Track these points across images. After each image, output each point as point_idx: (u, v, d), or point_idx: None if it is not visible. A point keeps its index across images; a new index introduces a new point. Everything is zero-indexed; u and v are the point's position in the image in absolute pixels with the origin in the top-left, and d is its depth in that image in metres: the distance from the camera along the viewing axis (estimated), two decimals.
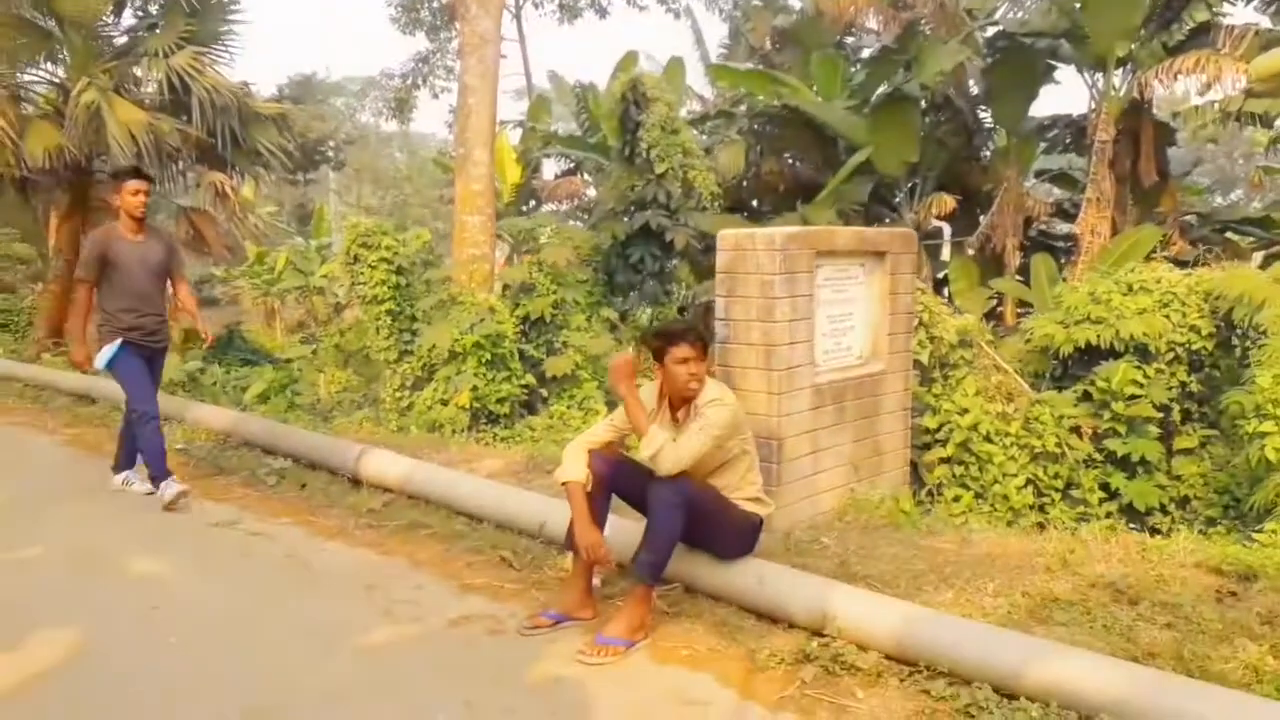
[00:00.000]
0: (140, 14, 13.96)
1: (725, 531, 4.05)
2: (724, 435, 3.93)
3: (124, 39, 13.74)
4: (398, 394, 9.99)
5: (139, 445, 6.03)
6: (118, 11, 13.60)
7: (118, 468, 6.34)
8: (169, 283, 6.14)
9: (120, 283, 5.87)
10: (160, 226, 6.61)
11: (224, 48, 13.55)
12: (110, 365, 5.91)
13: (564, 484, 4.03)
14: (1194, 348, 7.15)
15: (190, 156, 13.47)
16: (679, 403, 4.10)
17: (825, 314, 5.30)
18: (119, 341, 5.86)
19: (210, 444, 7.48)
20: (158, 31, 12.91)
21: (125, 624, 4.16)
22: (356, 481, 6.19)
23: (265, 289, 22.00)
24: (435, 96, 29.50)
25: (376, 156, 43.03)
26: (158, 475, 5.91)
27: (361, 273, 10.06)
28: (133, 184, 5.79)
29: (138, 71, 13.13)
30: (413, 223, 29.49)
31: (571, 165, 18.85)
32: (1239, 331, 7.15)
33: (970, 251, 14.25)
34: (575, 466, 4.01)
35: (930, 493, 6.52)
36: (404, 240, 10.62)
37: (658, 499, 3.83)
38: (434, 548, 5.04)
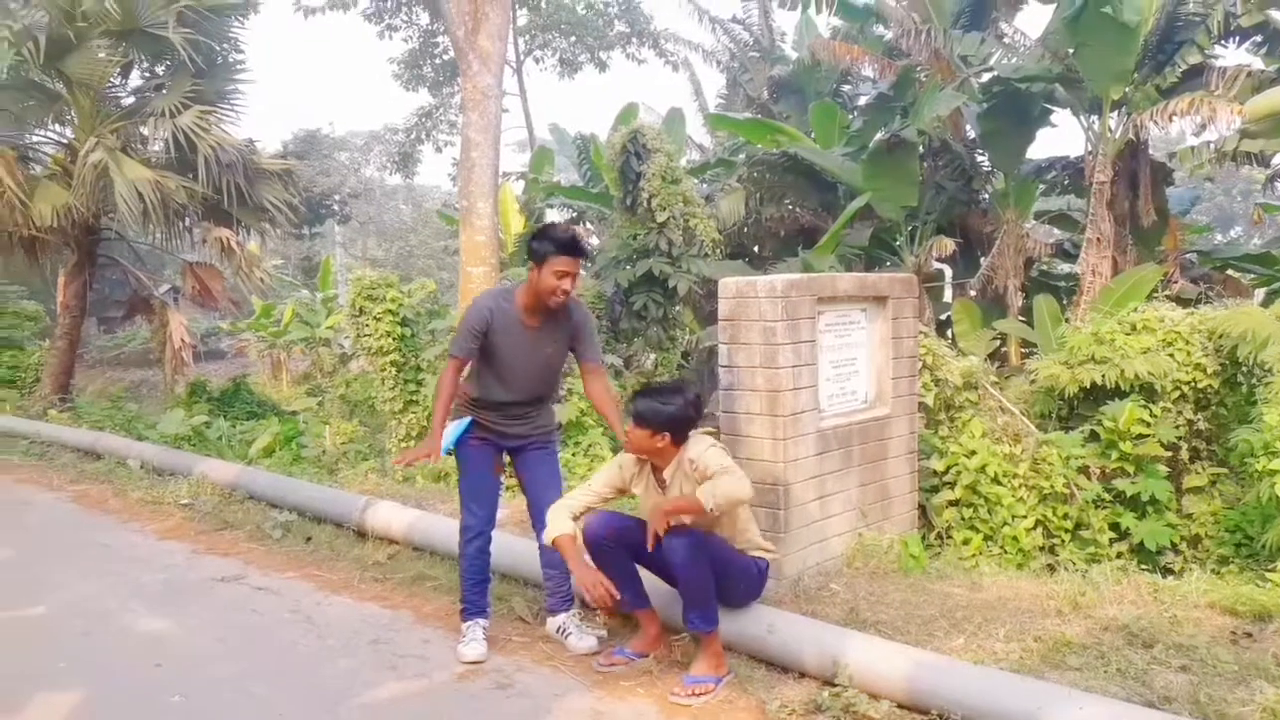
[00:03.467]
0: (147, 75, 14.17)
1: (734, 578, 4.02)
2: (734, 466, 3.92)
3: (131, 99, 13.93)
4: (403, 444, 9.98)
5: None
6: (125, 73, 13.81)
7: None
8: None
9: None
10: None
11: (230, 106, 13.74)
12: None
13: (553, 542, 4.02)
14: (1200, 386, 7.13)
15: (196, 213, 13.60)
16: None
17: (829, 359, 5.31)
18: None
19: (216, 498, 7.48)
20: (164, 92, 13.09)
21: (128, 683, 4.13)
22: (362, 533, 6.17)
23: (272, 341, 22.09)
24: (439, 150, 29.99)
25: (381, 209, 43.40)
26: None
27: (367, 324, 10.10)
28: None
29: (144, 131, 13.29)
30: (418, 274, 29.66)
31: (574, 215, 18.98)
32: (1244, 369, 7.13)
33: (972, 293, 14.29)
34: (561, 524, 4.02)
35: (939, 536, 6.47)
36: (409, 291, 10.68)
37: (677, 555, 3.79)
38: (440, 600, 5.01)
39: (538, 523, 4.39)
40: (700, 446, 3.94)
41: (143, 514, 7.33)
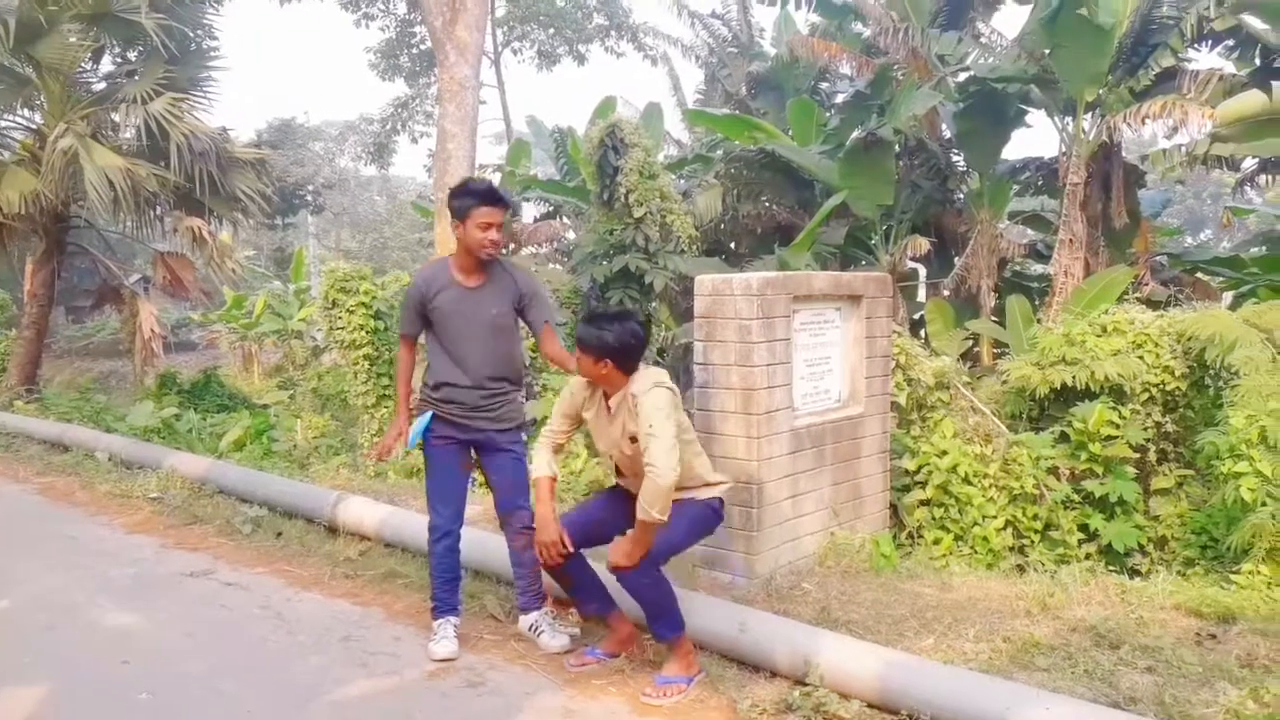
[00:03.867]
0: (119, 60, 14.00)
1: (690, 537, 4.03)
2: (677, 416, 3.84)
3: (102, 85, 13.76)
4: (375, 439, 9.92)
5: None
6: (96, 58, 13.63)
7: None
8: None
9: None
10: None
11: (203, 93, 13.59)
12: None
13: (534, 482, 4.09)
14: (1168, 388, 7.20)
15: (168, 202, 13.44)
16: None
17: (803, 358, 5.32)
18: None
19: (185, 492, 7.40)
20: (136, 78, 12.93)
21: (95, 679, 4.09)
22: (333, 529, 6.13)
23: (243, 333, 21.90)
24: (414, 141, 29.67)
25: (355, 200, 43.15)
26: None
27: (340, 317, 10.02)
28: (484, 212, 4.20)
29: (116, 117, 13.11)
30: (392, 266, 29.52)
31: (551, 209, 18.92)
32: (1211, 372, 7.21)
33: (946, 293, 14.36)
34: (541, 465, 4.07)
35: (910, 535, 6.50)
36: (383, 284, 10.61)
37: (629, 585, 3.82)
38: (411, 597, 4.99)
39: (506, 524, 4.38)
40: (644, 384, 3.85)
41: (111, 507, 7.25)
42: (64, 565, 5.76)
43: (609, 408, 3.99)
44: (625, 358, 3.86)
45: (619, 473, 4.13)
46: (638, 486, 3.76)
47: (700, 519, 4.03)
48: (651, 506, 3.67)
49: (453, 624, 4.32)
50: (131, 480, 7.82)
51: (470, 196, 4.17)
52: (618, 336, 3.81)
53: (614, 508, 4.10)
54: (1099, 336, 7.43)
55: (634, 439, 3.82)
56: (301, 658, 4.29)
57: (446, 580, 4.36)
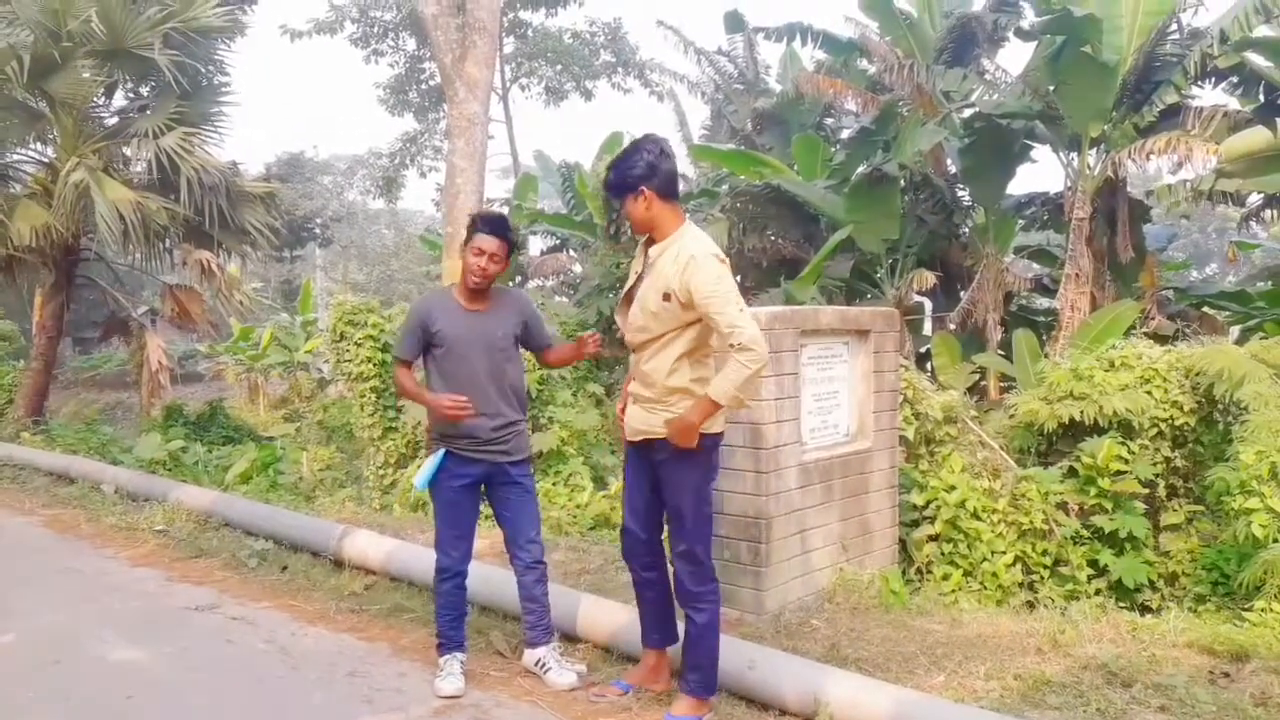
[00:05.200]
0: (132, 95, 14.14)
1: (709, 494, 3.89)
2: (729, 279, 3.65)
3: (115, 120, 13.89)
4: (381, 471, 9.91)
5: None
6: (109, 93, 13.77)
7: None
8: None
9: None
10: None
11: (214, 128, 13.70)
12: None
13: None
14: (1177, 423, 7.18)
15: (177, 235, 13.52)
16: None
17: (811, 392, 5.32)
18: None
19: (191, 525, 7.39)
20: (148, 113, 13.06)
21: (99, 715, 4.06)
22: (339, 563, 6.11)
23: (249, 365, 21.94)
24: (423, 176, 29.84)
25: (363, 233, 43.33)
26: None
27: (347, 350, 10.05)
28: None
29: (127, 151, 13.23)
30: (399, 299, 29.56)
31: (558, 242, 19.04)
32: (1220, 407, 7.19)
33: (952, 327, 14.36)
34: None
35: (919, 571, 6.47)
36: (390, 317, 10.63)
37: (693, 620, 3.76)
38: (417, 633, 4.95)
39: (515, 558, 4.35)
40: (703, 246, 3.66)
41: (116, 540, 7.24)
42: (68, 599, 5.74)
43: (647, 257, 3.81)
44: (661, 180, 3.70)
45: (632, 348, 3.87)
46: (645, 368, 3.72)
47: (713, 468, 3.88)
48: (733, 385, 3.52)
49: (459, 660, 4.29)
50: (137, 513, 7.81)
51: (474, 223, 4.25)
52: (642, 161, 3.70)
53: (647, 473, 3.88)
54: (1107, 371, 7.42)
55: (666, 295, 3.64)
56: (306, 694, 4.26)
57: (452, 617, 4.32)
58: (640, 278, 3.82)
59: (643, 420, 3.80)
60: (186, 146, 12.46)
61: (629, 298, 3.88)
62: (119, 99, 14.17)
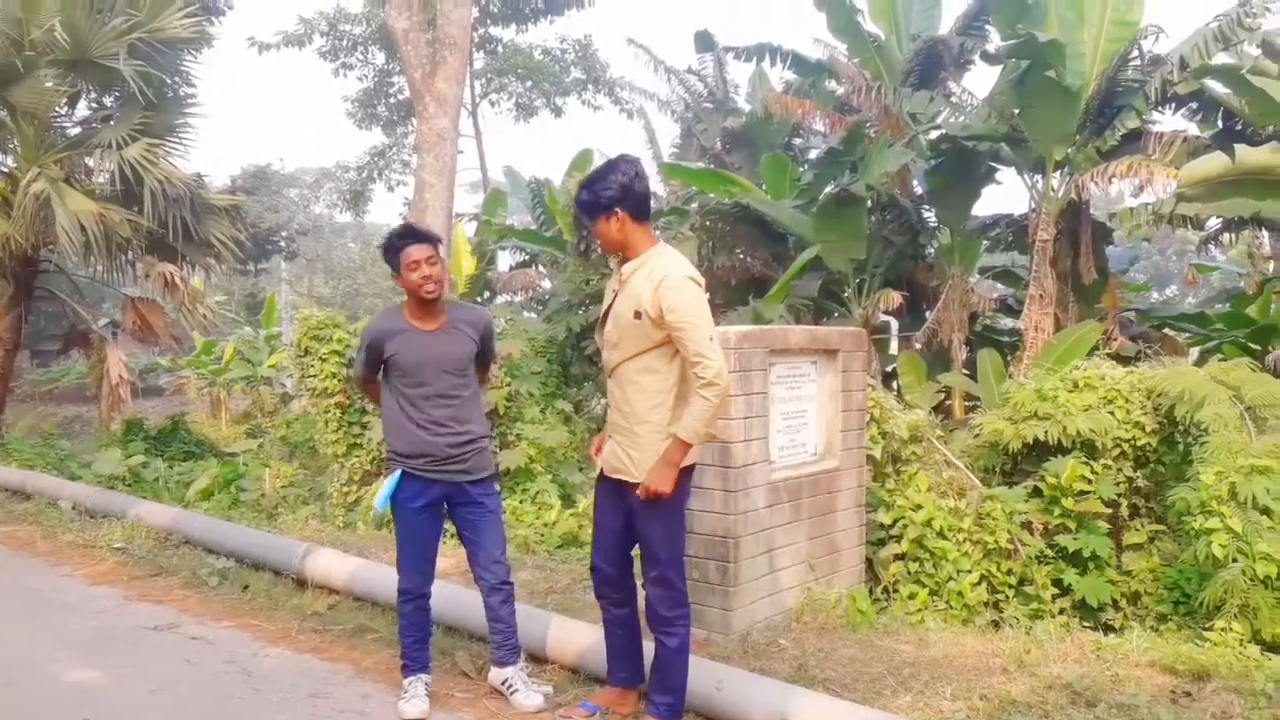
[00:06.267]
0: (95, 105, 13.96)
1: (682, 521, 3.88)
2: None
3: (77, 130, 13.71)
4: (345, 489, 9.80)
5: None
6: (72, 103, 13.59)
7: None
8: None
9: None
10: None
11: (179, 140, 13.54)
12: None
13: None
14: (1139, 444, 7.26)
15: (140, 247, 13.33)
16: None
17: (779, 411, 5.33)
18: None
19: (151, 542, 7.27)
20: (112, 123, 12.90)
21: None
22: (301, 582, 6.03)
23: (212, 379, 21.68)
24: (390, 190, 29.95)
25: (329, 247, 43.10)
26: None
27: (312, 365, 9.94)
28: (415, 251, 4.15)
29: (90, 162, 13.08)
30: (365, 313, 29.37)
31: (526, 258, 18.99)
32: (1181, 428, 7.28)
33: (918, 346, 14.46)
34: None
35: (886, 590, 6.48)
36: (355, 331, 10.54)
37: (664, 644, 3.74)
38: (381, 653, 4.89)
39: (480, 578, 4.29)
40: (678, 268, 3.66)
41: (73, 557, 7.10)
42: (23, 617, 5.61)
43: (621, 275, 3.79)
44: (632, 202, 3.69)
45: (608, 369, 3.84)
46: (619, 390, 3.70)
47: (683, 496, 3.80)
48: (702, 423, 3.52)
49: (424, 682, 4.23)
50: (95, 530, 7.67)
51: (395, 242, 4.16)
52: (616, 183, 3.67)
53: (620, 508, 3.84)
54: (1070, 392, 7.50)
55: (637, 314, 3.62)
56: (267, 715, 4.19)
57: (416, 638, 4.26)
58: (616, 296, 3.80)
59: (619, 459, 3.76)
60: (151, 158, 12.31)
61: (606, 317, 3.86)
62: (82, 109, 13.99)
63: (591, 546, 4.03)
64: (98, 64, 12.21)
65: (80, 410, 20.10)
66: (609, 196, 3.68)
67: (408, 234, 4.20)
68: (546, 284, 18.35)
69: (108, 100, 13.77)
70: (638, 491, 3.65)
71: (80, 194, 12.24)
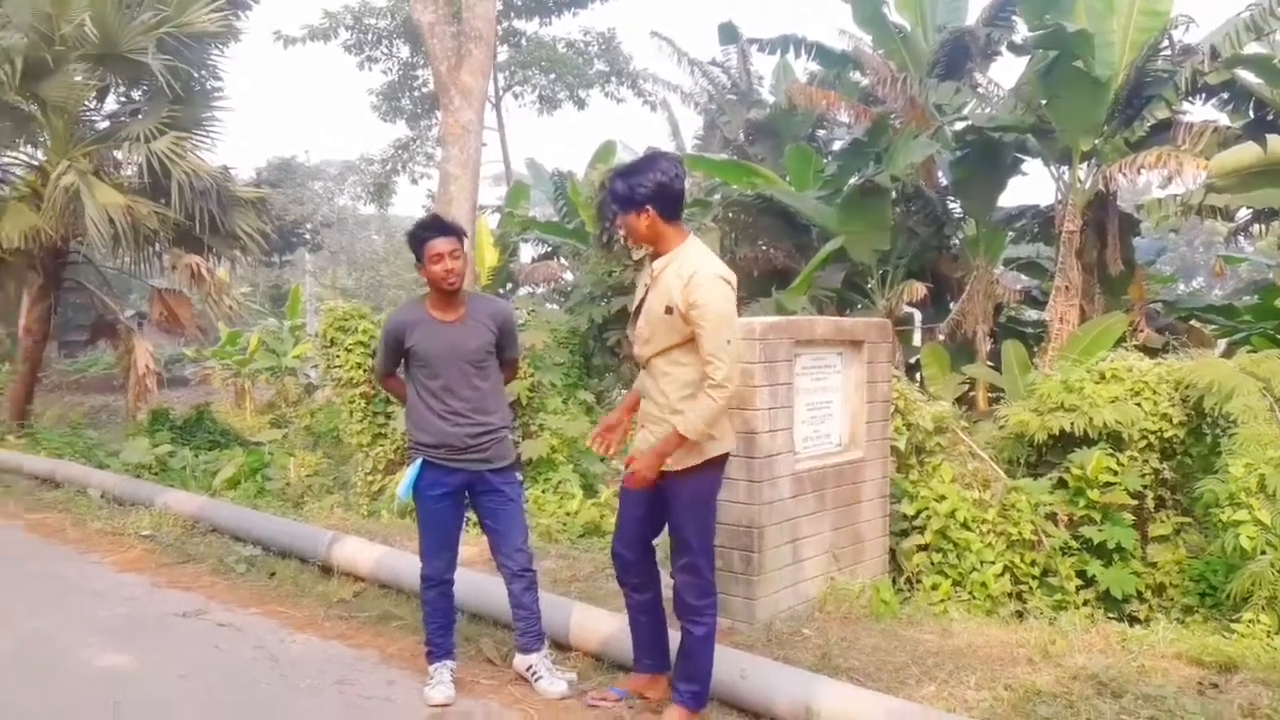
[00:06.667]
0: (123, 99, 14.10)
1: (711, 513, 3.86)
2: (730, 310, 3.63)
3: (106, 123, 13.84)
4: (369, 478, 9.87)
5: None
6: (101, 97, 13.73)
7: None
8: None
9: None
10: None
11: (206, 133, 13.66)
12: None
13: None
14: (1166, 435, 7.19)
15: (167, 239, 13.47)
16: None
17: (804, 402, 5.32)
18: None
19: (178, 530, 7.34)
20: (140, 117, 13.02)
21: None
22: (327, 569, 6.08)
23: (236, 369, 21.85)
24: (414, 182, 29.92)
25: (354, 239, 43.30)
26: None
27: (338, 355, 10.01)
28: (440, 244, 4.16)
29: (118, 155, 13.20)
30: (388, 304, 29.51)
31: (549, 250, 19.05)
32: (1209, 420, 7.21)
33: (941, 337, 14.41)
34: None
35: (909, 580, 6.46)
36: (379, 322, 10.61)
37: (690, 633, 3.74)
38: (406, 640, 4.92)
39: (502, 566, 4.32)
40: (708, 266, 3.64)
41: (102, 545, 7.19)
42: (53, 605, 5.69)
43: (652, 271, 3.79)
44: (665, 202, 3.68)
45: (641, 362, 3.85)
46: (651, 382, 3.71)
47: (715, 486, 3.82)
48: (704, 422, 3.53)
49: (449, 668, 4.26)
50: (123, 518, 7.76)
51: (419, 233, 4.19)
52: (652, 180, 3.66)
53: (646, 496, 3.81)
54: (1097, 383, 7.43)
55: (668, 309, 3.61)
56: (295, 701, 4.23)
57: (441, 625, 4.30)
58: (648, 291, 3.81)
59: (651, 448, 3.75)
60: (178, 151, 12.42)
61: (638, 312, 3.87)
62: (110, 103, 14.14)
63: (615, 531, 4.04)
64: (126, 58, 12.33)
65: (107, 400, 20.29)
66: (643, 193, 3.67)
67: (433, 226, 4.23)
68: (569, 276, 18.41)
69: (136, 94, 13.91)
70: (624, 476, 3.71)
71: (109, 187, 12.37)
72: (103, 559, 6.80)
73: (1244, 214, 13.86)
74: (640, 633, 4.02)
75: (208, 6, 12.68)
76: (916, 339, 16.11)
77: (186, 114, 13.15)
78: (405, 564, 5.61)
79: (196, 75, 13.52)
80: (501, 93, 27.62)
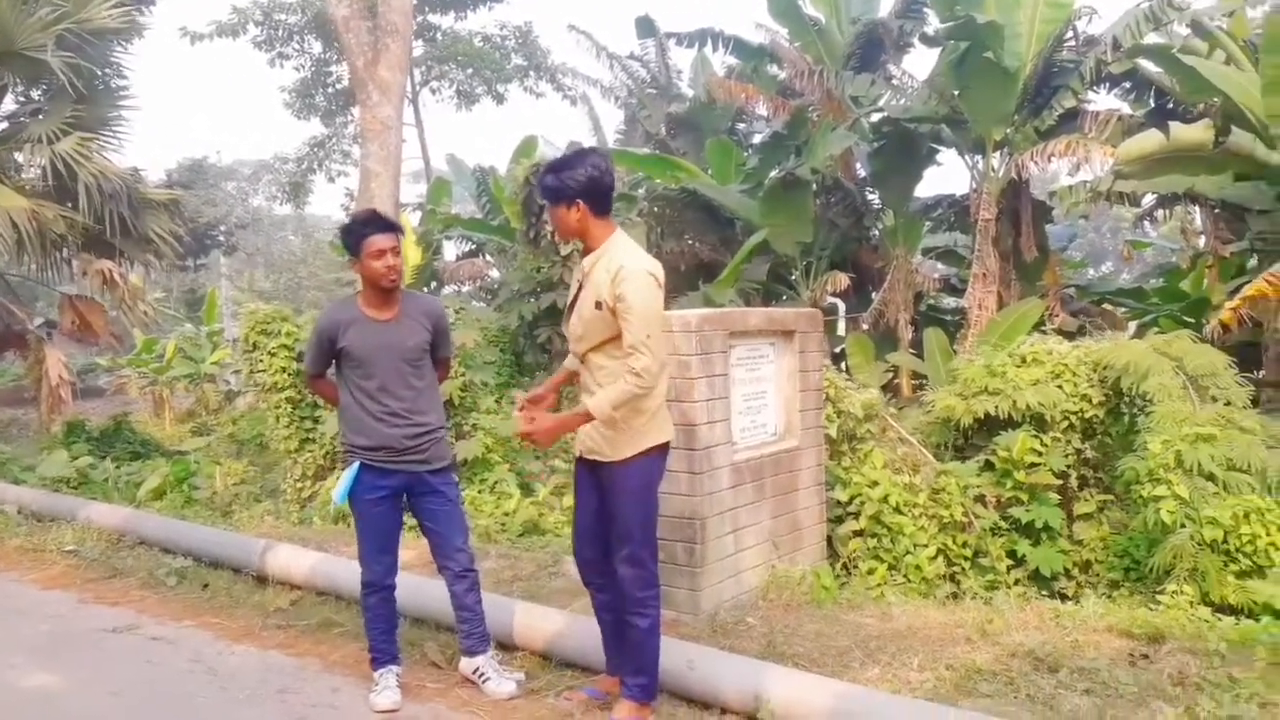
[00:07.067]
0: (23, 99, 13.56)
1: (651, 502, 3.84)
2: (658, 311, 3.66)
3: (4, 125, 13.29)
4: (299, 484, 9.68)
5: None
6: None
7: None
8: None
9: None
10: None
11: (112, 133, 13.20)
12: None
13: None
14: (1087, 416, 7.44)
15: (76, 244, 12.99)
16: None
17: (740, 393, 5.37)
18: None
19: (103, 544, 7.11)
20: (41, 117, 12.54)
21: None
22: (262, 579, 5.95)
23: (154, 378, 21.21)
24: (331, 180, 29.31)
25: (270, 240, 42.36)
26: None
27: (260, 360, 9.79)
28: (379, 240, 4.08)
29: (19, 157, 12.68)
30: (308, 305, 28.94)
31: (473, 247, 18.85)
32: (1126, 400, 7.48)
33: (865, 327, 14.66)
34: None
35: (845, 566, 6.57)
36: (303, 325, 10.40)
37: (636, 625, 3.74)
38: (348, 647, 4.85)
39: (444, 568, 4.27)
40: (636, 261, 3.66)
41: (22, 563, 6.93)
42: None
43: (583, 268, 3.81)
44: (596, 196, 3.69)
45: (578, 358, 3.84)
46: (589, 375, 3.70)
47: (656, 476, 3.81)
48: (612, 404, 3.55)
49: (394, 673, 4.21)
50: (44, 534, 7.49)
51: (359, 228, 4.11)
52: (584, 175, 3.66)
53: (596, 488, 3.84)
54: (1019, 367, 7.65)
55: (598, 304, 3.64)
56: (236, 712, 4.14)
57: (383, 630, 4.24)
58: (580, 289, 3.81)
59: (594, 440, 3.75)
60: (84, 152, 11.99)
61: (571, 309, 3.86)
62: (9, 103, 13.57)
63: (573, 532, 4.04)
64: (25, 56, 11.84)
65: (17, 413, 19.52)
66: (574, 187, 3.67)
67: (373, 221, 4.15)
68: (494, 273, 18.25)
69: (36, 93, 13.39)
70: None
71: (10, 190, 11.88)
72: (23, 577, 6.55)
73: (1149, 199, 14.36)
74: (607, 632, 4.02)
75: (109, 2, 12.26)
76: (841, 329, 16.37)
77: (91, 114, 12.70)
78: (342, 570, 5.52)
79: (100, 74, 13.06)
80: (419, 88, 27.24)
